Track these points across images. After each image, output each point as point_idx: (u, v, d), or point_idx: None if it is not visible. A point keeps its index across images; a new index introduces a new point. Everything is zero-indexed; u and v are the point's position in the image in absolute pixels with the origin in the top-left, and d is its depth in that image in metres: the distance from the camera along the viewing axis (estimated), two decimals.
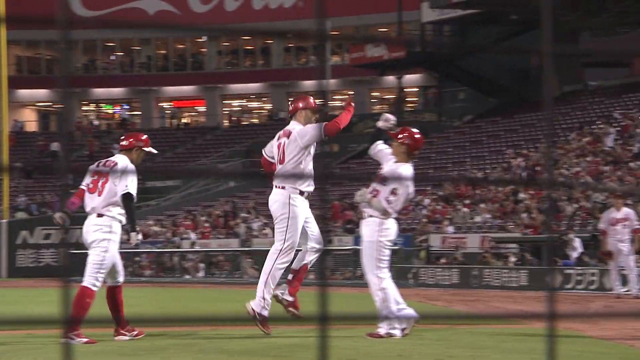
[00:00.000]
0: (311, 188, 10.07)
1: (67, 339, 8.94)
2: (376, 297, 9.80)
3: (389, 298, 9.75)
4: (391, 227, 9.87)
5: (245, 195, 51.17)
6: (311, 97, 10.43)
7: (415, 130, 10.27)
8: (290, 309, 10.10)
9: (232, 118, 66.54)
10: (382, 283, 9.78)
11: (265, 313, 9.90)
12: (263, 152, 10.52)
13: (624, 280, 21.14)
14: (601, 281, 24.52)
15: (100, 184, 9.67)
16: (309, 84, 62.39)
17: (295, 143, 10.00)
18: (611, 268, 21.28)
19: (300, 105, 10.26)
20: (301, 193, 10.01)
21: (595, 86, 50.81)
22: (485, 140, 49.18)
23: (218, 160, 58.07)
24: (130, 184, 9.58)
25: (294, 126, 10.17)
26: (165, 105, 67.16)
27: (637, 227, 20.86)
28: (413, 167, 10.16)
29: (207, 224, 45.60)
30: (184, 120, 67.16)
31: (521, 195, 36.43)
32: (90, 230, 9.60)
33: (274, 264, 9.92)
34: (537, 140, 44.42)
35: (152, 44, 66.51)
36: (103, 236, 9.51)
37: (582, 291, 24.72)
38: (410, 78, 58.90)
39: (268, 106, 66.29)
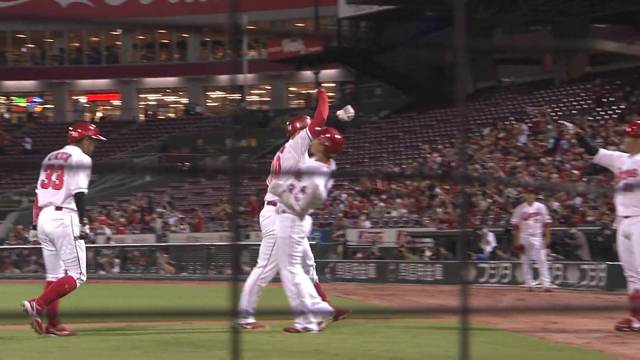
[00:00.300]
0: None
1: (50, 334, 9.23)
2: (289, 292, 9.84)
3: (303, 293, 9.79)
4: (304, 223, 9.91)
5: (161, 190, 50.74)
6: (307, 118, 10.76)
7: (336, 131, 10.29)
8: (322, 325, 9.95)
9: (148, 112, 65.88)
10: (295, 278, 9.82)
11: (250, 319, 10.13)
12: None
13: (536, 274, 21.55)
14: (514, 275, 24.97)
15: (55, 177, 9.62)
16: (225, 79, 62.12)
17: (289, 155, 10.39)
18: (523, 262, 21.67)
19: (298, 125, 10.62)
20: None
21: (508, 82, 51.68)
22: (401, 136, 49.64)
23: (134, 154, 57.44)
24: (83, 180, 9.60)
25: (289, 143, 10.54)
26: (79, 98, 66.11)
27: (548, 221, 21.29)
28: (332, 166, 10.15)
29: (122, 219, 45.09)
30: (98, 114, 66.24)
31: (437, 190, 36.88)
32: (52, 224, 9.59)
33: (254, 279, 10.32)
34: (452, 136, 45.01)
35: (65, 37, 65.41)
36: (66, 231, 9.54)
37: (496, 284, 25.14)
38: (327, 73, 59.08)
39: (184, 100, 65.80)
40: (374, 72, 55.69)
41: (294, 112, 59.43)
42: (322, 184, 9.86)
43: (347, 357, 7.77)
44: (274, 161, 10.64)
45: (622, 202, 10.32)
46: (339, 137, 10.21)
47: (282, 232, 9.91)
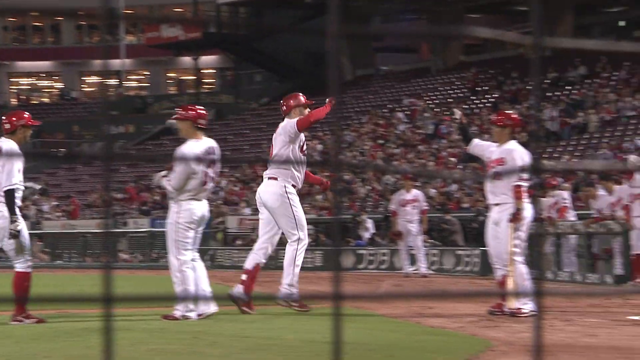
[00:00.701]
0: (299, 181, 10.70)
1: (17, 321, 9.39)
2: (175, 278, 9.81)
3: (187, 280, 9.75)
4: (195, 209, 9.80)
5: (35, 177, 49.51)
6: (300, 95, 11.22)
7: (195, 106, 10.33)
8: (245, 308, 10.47)
9: (21, 97, 64.16)
10: (181, 265, 9.78)
11: (295, 295, 10.66)
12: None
13: (413, 260, 21.94)
14: (392, 261, 25.37)
15: None
16: (101, 63, 60.93)
17: (280, 137, 10.66)
18: (401, 248, 22.04)
19: (292, 103, 10.93)
20: (293, 186, 10.64)
21: (386, 71, 52.36)
22: (281, 123, 49.70)
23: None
24: (17, 174, 9.56)
25: (283, 123, 10.80)
26: None
27: (426, 208, 21.69)
28: (212, 145, 9.96)
29: None
30: None
31: None
32: None
33: (293, 255, 10.86)
34: (332, 123, 45.28)
35: None
36: (4, 224, 9.59)
37: (374, 271, 25.49)
38: (206, 59, 58.67)
39: (59, 85, 64.33)
40: (254, 59, 55.59)
41: (173, 98, 58.86)
42: (190, 151, 9.71)
43: (226, 343, 7.78)
44: (273, 139, 10.92)
45: (492, 190, 10.64)
46: (201, 110, 10.12)
47: (170, 219, 9.87)
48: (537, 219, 19.99)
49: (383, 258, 26.08)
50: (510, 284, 10.25)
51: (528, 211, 10.41)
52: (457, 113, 11.86)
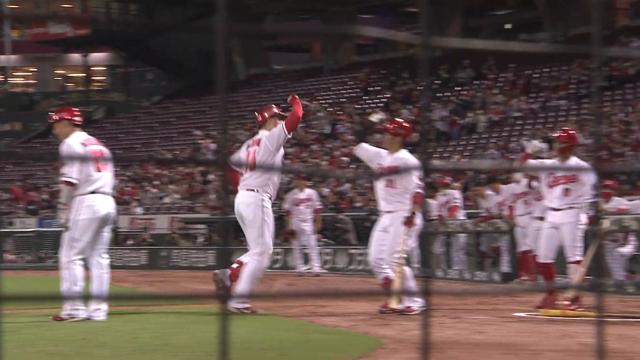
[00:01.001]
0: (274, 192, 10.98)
1: None
2: (63, 276, 9.69)
3: (75, 279, 9.62)
4: (93, 203, 9.64)
5: None
6: (274, 106, 11.35)
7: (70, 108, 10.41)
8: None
9: None
10: (68, 263, 9.64)
11: (248, 304, 10.47)
12: (229, 162, 10.78)
13: (306, 259, 22.04)
14: (285, 260, 25.42)
15: None
16: None
17: (266, 148, 10.73)
18: (294, 247, 22.10)
19: (267, 114, 11.06)
20: (270, 198, 10.89)
21: (279, 70, 52.43)
22: (174, 121, 49.29)
23: None
24: None
25: (263, 134, 10.89)
26: None
27: (319, 207, 21.81)
28: (87, 141, 9.90)
29: None
30: None
31: (210, 177, 36.92)
32: None
33: (255, 267, 10.78)
34: (226, 122, 45.11)
35: None
36: None
37: (268, 270, 25.44)
38: (97, 56, 57.74)
39: None
40: (145, 56, 54.96)
41: (61, 96, 57.72)
42: (73, 142, 9.68)
43: (115, 344, 7.68)
44: (250, 154, 10.86)
45: (385, 198, 10.76)
46: (75, 111, 10.11)
47: (72, 215, 9.67)
48: (428, 219, 20.35)
49: (276, 257, 26.10)
50: (396, 285, 10.40)
51: (419, 218, 10.59)
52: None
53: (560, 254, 11.41)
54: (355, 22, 49.11)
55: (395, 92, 43.57)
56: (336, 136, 38.92)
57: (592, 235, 12.32)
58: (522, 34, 47.26)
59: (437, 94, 41.59)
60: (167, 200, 36.77)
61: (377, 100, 43.53)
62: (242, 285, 10.62)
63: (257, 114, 11.40)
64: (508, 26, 51.49)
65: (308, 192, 21.70)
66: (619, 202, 16.38)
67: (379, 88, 44.67)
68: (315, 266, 21.69)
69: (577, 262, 11.08)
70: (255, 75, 51.35)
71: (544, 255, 11.33)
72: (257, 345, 7.40)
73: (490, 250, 20.21)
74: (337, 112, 41.97)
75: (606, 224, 11.16)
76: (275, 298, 9.84)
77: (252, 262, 10.82)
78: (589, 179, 10.97)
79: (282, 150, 10.98)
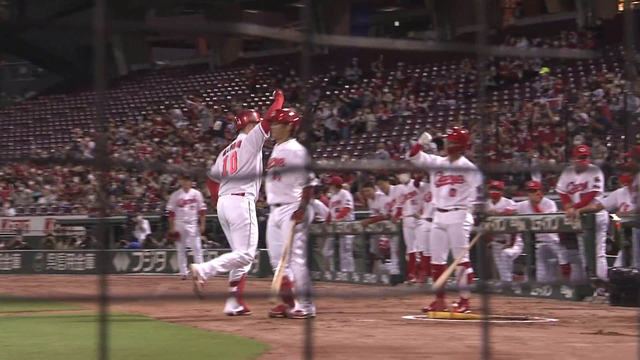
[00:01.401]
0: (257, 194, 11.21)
1: None
2: None
3: None
4: None
5: None
6: (253, 111, 11.96)
7: None
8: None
9: None
10: None
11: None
12: (208, 176, 11.89)
13: (190, 262, 21.85)
14: (168, 263, 25.20)
15: None
16: None
17: (245, 149, 11.03)
18: (178, 249, 21.91)
19: (246, 119, 11.41)
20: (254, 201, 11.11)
21: (163, 65, 51.95)
22: (50, 118, 48.31)
23: None
24: None
25: (242, 137, 11.22)
26: None
27: (204, 208, 21.66)
28: None
29: None
30: None
31: (90, 177, 36.33)
32: None
33: (235, 260, 11.07)
34: (105, 120, 44.46)
35: None
36: None
37: (150, 273, 25.24)
38: None
39: None
40: (17, 50, 53.67)
41: None
42: None
43: None
44: (225, 159, 11.23)
45: (273, 190, 10.70)
46: None
47: None
48: (315, 220, 20.47)
49: (160, 260, 25.86)
50: (277, 285, 10.37)
51: (310, 212, 10.60)
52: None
53: (451, 256, 11.60)
54: (241, 17, 49.04)
55: (283, 89, 43.68)
56: (224, 135, 38.78)
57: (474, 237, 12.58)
58: (410, 32, 48.01)
59: (326, 92, 41.89)
60: (42, 200, 36.01)
61: (265, 98, 43.56)
62: (213, 263, 11.07)
63: (236, 117, 11.81)
64: (397, 24, 52.23)
65: (192, 193, 21.54)
66: (506, 203, 16.76)
67: (266, 85, 44.72)
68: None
69: (465, 264, 11.29)
70: (137, 71, 50.74)
71: (436, 256, 11.50)
72: (139, 352, 7.32)
73: (379, 251, 20.43)
74: (224, 110, 41.84)
75: (486, 225, 11.43)
76: (155, 301, 9.74)
77: (235, 254, 11.10)
78: (476, 179, 11.18)
79: (260, 153, 11.21)
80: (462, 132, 12.20)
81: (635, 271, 12.77)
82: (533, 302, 13.29)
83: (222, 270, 11.14)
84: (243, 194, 11.02)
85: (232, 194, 11.06)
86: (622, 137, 26.37)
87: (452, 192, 11.29)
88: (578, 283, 14.43)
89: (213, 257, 24.11)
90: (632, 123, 28.36)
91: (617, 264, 13.84)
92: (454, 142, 11.51)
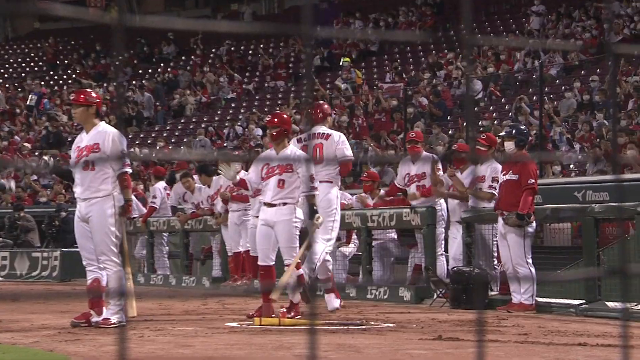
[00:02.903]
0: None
1: None
2: None
3: None
4: None
5: None
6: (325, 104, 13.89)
7: None
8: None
9: None
10: None
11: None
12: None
13: None
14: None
15: None
16: None
17: (337, 146, 12.61)
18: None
19: (327, 111, 13.16)
20: None
21: None
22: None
23: None
24: None
25: (324, 130, 12.79)
26: None
27: None
28: None
29: None
30: None
31: None
32: None
33: (323, 252, 12.27)
34: None
35: None
36: None
37: None
38: None
39: None
40: None
41: None
42: None
43: None
44: (315, 147, 12.80)
45: (80, 183, 10.48)
46: None
47: None
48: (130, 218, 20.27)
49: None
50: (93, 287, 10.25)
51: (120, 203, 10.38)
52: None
53: (279, 255, 11.67)
54: None
55: (88, 66, 42.97)
56: (42, 110, 37.73)
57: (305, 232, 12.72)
58: (234, 4, 47.96)
59: (139, 71, 41.46)
60: None
61: (67, 76, 42.74)
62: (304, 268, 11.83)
63: (314, 109, 13.03)
64: None
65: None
66: (342, 196, 16.93)
67: (67, 61, 43.89)
68: None
69: (296, 265, 11.37)
70: None
71: (263, 256, 11.52)
72: None
73: (200, 251, 20.40)
74: (16, 88, 40.78)
75: (321, 219, 11.49)
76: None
77: (319, 246, 12.30)
78: (306, 171, 11.25)
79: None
80: (284, 116, 12.23)
81: (477, 271, 13.23)
82: (369, 306, 13.60)
83: (317, 269, 12.39)
84: (332, 182, 12.66)
85: (320, 182, 12.33)
86: (464, 124, 27.23)
87: (281, 184, 11.33)
88: (416, 284, 14.84)
89: (4, 258, 23.59)
90: (473, 108, 29.26)
91: (451, 263, 14.25)
92: (275, 127, 11.51)
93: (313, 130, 12.85)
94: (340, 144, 12.65)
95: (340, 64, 35.40)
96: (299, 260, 11.43)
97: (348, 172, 14.42)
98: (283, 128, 11.53)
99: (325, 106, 13.45)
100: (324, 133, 12.74)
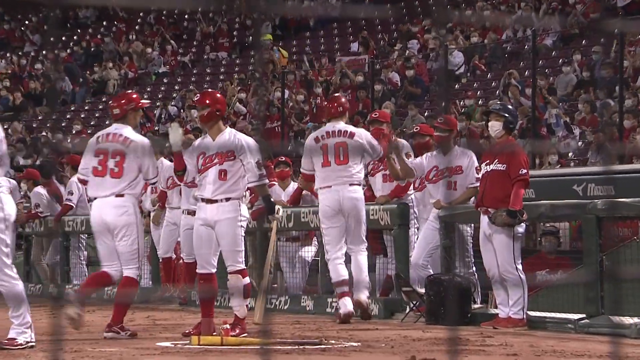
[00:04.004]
0: None
1: None
2: None
3: None
4: None
5: None
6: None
7: None
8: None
9: None
10: None
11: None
12: (303, 171, 13.88)
13: None
14: None
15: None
16: None
17: (364, 148, 13.52)
18: None
19: (346, 105, 14.10)
20: None
21: None
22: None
23: None
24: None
25: (347, 128, 13.71)
26: None
27: None
28: None
29: None
30: None
31: None
32: None
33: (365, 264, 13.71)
34: None
35: None
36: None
37: None
38: None
39: None
40: None
41: None
42: None
43: None
44: (336, 145, 13.73)
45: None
46: None
47: None
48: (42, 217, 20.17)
49: None
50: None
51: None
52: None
53: (221, 260, 11.59)
54: None
55: None
56: None
57: (261, 233, 12.73)
58: None
59: (52, 39, 41.18)
60: None
61: None
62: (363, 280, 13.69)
63: (335, 103, 13.93)
64: None
65: None
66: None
67: None
68: None
69: (240, 271, 11.31)
70: None
71: (203, 262, 11.40)
72: None
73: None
74: None
75: (281, 212, 11.45)
76: None
77: (363, 257, 13.58)
78: (251, 157, 11.10)
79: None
80: (217, 94, 11.98)
81: (458, 279, 13.22)
82: (329, 321, 13.62)
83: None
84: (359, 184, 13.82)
85: (350, 184, 13.58)
86: (443, 103, 27.29)
87: (222, 175, 11.16)
88: (384, 296, 14.88)
89: None
90: (454, 85, 29.35)
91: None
92: (205, 107, 11.40)
93: (330, 127, 13.66)
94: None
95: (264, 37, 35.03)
96: (270, 267, 11.45)
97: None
98: (215, 108, 11.36)
99: (343, 99, 14.39)
100: (346, 130, 13.64)
